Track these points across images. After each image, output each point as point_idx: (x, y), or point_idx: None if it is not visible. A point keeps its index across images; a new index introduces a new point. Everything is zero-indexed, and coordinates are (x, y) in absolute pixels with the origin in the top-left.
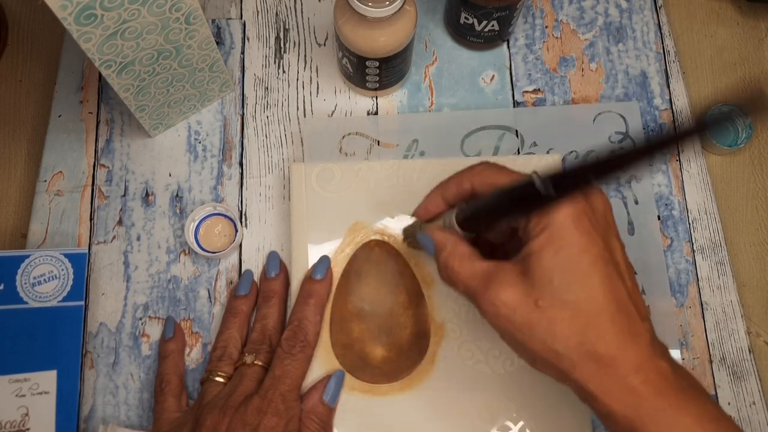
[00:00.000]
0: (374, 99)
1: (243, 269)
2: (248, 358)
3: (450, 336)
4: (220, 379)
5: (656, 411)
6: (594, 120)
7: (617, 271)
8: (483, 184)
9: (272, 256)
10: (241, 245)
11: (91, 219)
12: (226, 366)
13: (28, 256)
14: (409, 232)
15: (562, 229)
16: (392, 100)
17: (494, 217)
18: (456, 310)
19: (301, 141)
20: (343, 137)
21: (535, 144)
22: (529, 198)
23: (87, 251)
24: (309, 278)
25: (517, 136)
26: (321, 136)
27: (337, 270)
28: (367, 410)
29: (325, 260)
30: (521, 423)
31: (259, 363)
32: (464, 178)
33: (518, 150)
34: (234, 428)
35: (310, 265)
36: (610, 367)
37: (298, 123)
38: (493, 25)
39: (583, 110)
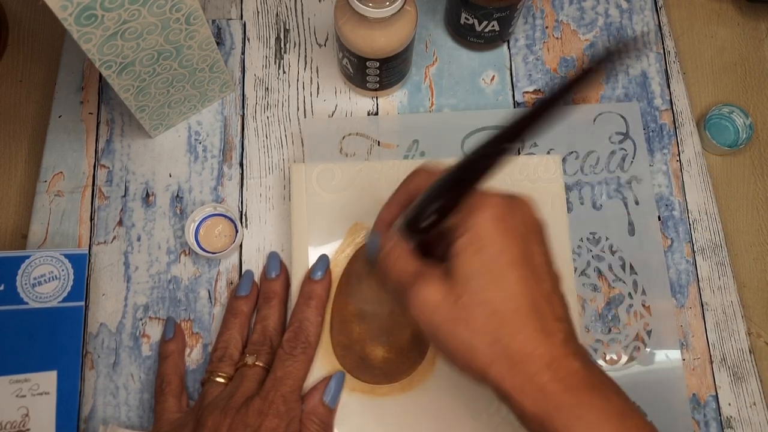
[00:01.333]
0: (374, 99)
1: (243, 270)
2: (249, 359)
3: None
4: (221, 380)
5: (563, 408)
6: (594, 120)
7: (534, 274)
8: (426, 185)
9: (272, 257)
10: (241, 246)
11: (91, 219)
12: (226, 367)
13: (28, 257)
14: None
15: (482, 231)
16: (392, 101)
17: (429, 215)
18: None
19: (302, 141)
20: (344, 138)
21: (535, 144)
22: (454, 187)
23: (87, 252)
24: (309, 278)
25: None
26: (321, 136)
27: (338, 271)
28: (368, 410)
29: (324, 259)
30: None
31: (260, 364)
32: (410, 183)
33: (519, 150)
34: (235, 429)
35: (310, 266)
36: (521, 364)
37: (299, 123)
38: (493, 26)
39: (584, 110)
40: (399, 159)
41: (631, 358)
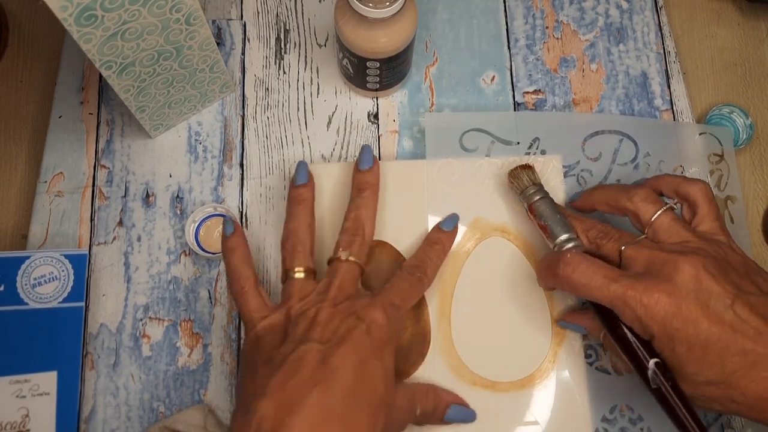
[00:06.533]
0: (375, 100)
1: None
2: (343, 254)
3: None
4: (300, 275)
5: None
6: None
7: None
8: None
9: (365, 150)
10: None
11: (91, 220)
12: (302, 257)
13: (28, 257)
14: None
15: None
16: (393, 101)
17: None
18: None
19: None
20: (464, 133)
21: (648, 154)
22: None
23: (87, 252)
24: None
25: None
26: (443, 131)
27: (458, 265)
28: (490, 406)
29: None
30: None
31: (354, 259)
32: (624, 197)
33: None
34: (345, 321)
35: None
36: None
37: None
38: None
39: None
40: (520, 155)
41: None
